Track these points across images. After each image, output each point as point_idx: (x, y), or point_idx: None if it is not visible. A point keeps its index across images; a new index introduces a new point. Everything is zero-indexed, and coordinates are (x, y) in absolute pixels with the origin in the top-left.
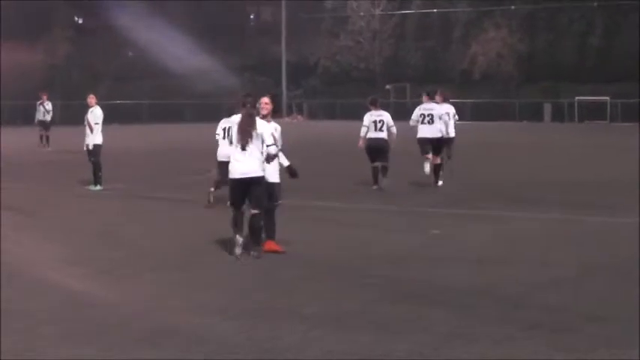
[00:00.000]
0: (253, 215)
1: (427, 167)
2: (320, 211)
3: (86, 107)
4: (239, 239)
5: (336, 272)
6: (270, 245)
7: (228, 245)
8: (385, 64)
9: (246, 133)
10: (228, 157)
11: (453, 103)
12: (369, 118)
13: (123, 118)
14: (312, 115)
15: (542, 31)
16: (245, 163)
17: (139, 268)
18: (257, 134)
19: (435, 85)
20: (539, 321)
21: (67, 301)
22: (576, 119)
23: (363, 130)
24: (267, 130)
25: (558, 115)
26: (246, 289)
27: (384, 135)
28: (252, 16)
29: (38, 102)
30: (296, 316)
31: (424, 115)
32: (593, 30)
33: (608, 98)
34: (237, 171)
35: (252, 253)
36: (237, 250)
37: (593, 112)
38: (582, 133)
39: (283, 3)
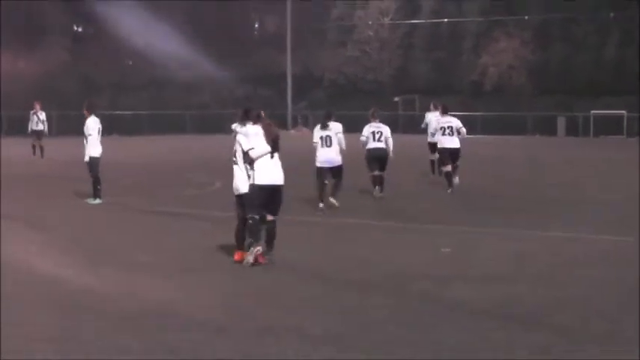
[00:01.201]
0: (271, 221)
1: (457, 179)
2: (327, 227)
3: (83, 117)
4: (259, 249)
5: (342, 290)
6: (239, 255)
7: (229, 260)
8: (393, 75)
9: (275, 143)
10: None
11: (462, 116)
12: (368, 129)
13: (122, 129)
14: None
15: (555, 42)
16: (275, 170)
17: (132, 285)
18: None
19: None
20: (550, 343)
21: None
22: (591, 134)
23: (362, 139)
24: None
25: (573, 129)
26: (248, 307)
27: (383, 145)
28: (255, 26)
29: (31, 111)
30: (300, 335)
31: (444, 127)
32: (609, 41)
33: (624, 112)
34: (268, 178)
35: (269, 258)
36: (250, 259)
37: (608, 127)
38: (597, 148)
39: (288, 12)
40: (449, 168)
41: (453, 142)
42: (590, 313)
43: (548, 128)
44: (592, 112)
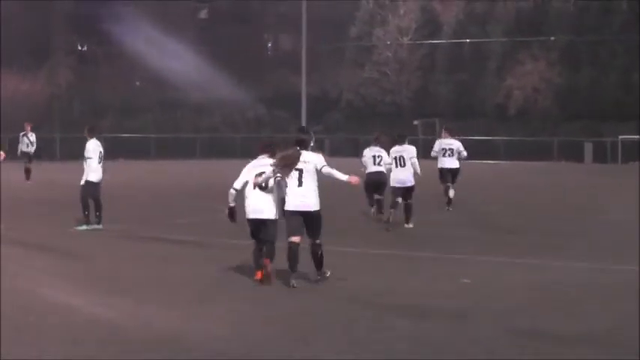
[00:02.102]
0: (316, 245)
1: (452, 192)
2: (339, 257)
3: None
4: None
5: (356, 321)
6: (259, 275)
7: (238, 288)
8: (413, 97)
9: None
10: None
11: (485, 141)
12: (369, 152)
13: (129, 152)
14: (334, 152)
15: (583, 64)
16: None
17: (134, 315)
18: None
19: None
20: None
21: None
22: (619, 160)
23: (363, 160)
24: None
25: (600, 155)
26: (260, 337)
27: (382, 169)
28: (269, 45)
29: (21, 133)
30: None
31: (445, 149)
32: (638, 63)
33: None
34: (293, 204)
35: (322, 275)
36: (294, 282)
37: (638, 153)
38: (625, 176)
39: (304, 31)
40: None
41: (452, 163)
42: (618, 347)
43: (574, 154)
44: (620, 137)
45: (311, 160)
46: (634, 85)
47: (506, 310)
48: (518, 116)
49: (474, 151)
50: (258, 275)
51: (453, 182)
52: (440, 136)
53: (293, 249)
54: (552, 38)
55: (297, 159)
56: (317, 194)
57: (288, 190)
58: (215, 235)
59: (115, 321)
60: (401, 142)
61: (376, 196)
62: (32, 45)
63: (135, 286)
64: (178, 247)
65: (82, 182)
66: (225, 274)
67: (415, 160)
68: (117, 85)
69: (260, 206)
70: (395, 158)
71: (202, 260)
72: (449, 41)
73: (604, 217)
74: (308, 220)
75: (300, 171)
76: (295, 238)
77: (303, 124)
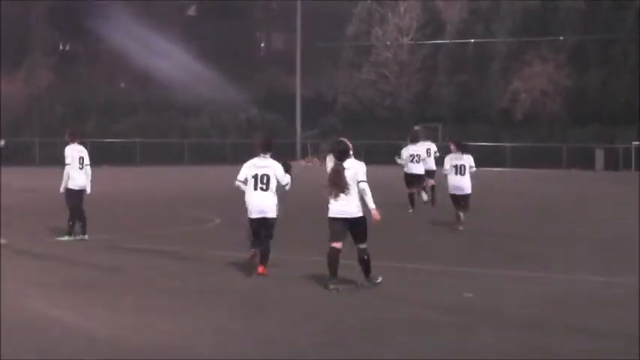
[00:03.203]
0: (362, 250)
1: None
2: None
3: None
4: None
5: (354, 337)
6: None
7: (228, 303)
8: (413, 100)
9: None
10: None
11: (490, 147)
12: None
13: (113, 158)
14: None
15: (593, 65)
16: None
17: (112, 326)
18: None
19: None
20: None
21: None
22: (633, 167)
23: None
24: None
25: (612, 162)
26: (242, 350)
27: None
28: (262, 45)
29: None
30: None
31: (413, 155)
32: None
33: None
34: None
35: (371, 281)
36: (332, 285)
37: None
38: (638, 184)
39: (298, 29)
40: (413, 190)
41: (418, 169)
42: None
43: (585, 161)
44: (634, 143)
45: (353, 167)
46: None
47: (511, 324)
48: (525, 121)
49: (478, 158)
50: (261, 269)
51: (420, 186)
52: (453, 151)
53: (333, 254)
54: (561, 38)
55: (342, 177)
56: (359, 199)
57: (330, 197)
58: (201, 247)
59: (93, 331)
60: (463, 151)
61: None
62: (10, 44)
63: (114, 296)
64: (160, 258)
65: (62, 189)
66: (208, 286)
67: (474, 169)
68: (100, 86)
69: (265, 206)
70: (455, 166)
71: (185, 272)
72: (452, 41)
73: (614, 228)
74: (351, 226)
75: None
76: (336, 244)
77: (298, 127)
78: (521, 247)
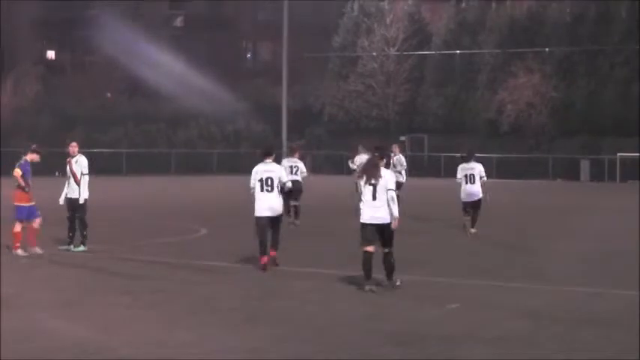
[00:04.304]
0: (387, 254)
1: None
2: (322, 281)
3: (59, 156)
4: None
5: (339, 349)
6: (273, 254)
7: (213, 316)
8: (400, 111)
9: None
10: None
11: (478, 158)
12: (286, 163)
13: (100, 168)
14: (317, 170)
15: (579, 76)
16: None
17: (97, 339)
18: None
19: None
20: None
21: None
22: (618, 178)
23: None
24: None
25: (598, 173)
26: None
27: (298, 178)
28: (248, 55)
29: None
30: None
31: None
32: (638, 75)
33: None
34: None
35: (391, 283)
36: (368, 287)
37: (637, 170)
38: (623, 195)
39: (284, 40)
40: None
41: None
42: None
43: (570, 172)
44: (619, 154)
45: (385, 176)
46: (634, 98)
47: (498, 337)
48: (511, 132)
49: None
50: (264, 260)
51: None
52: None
53: (367, 257)
54: (547, 49)
55: (377, 166)
56: (387, 206)
57: (363, 203)
58: (188, 257)
59: (81, 342)
60: (468, 160)
61: (292, 202)
62: None
63: (101, 307)
64: (147, 268)
65: (81, 201)
66: (196, 297)
67: (485, 178)
68: (86, 96)
69: (270, 205)
70: (465, 175)
71: (172, 282)
72: (438, 52)
73: (600, 240)
74: (381, 231)
75: (374, 186)
76: (369, 248)
77: (284, 138)
78: (507, 258)
